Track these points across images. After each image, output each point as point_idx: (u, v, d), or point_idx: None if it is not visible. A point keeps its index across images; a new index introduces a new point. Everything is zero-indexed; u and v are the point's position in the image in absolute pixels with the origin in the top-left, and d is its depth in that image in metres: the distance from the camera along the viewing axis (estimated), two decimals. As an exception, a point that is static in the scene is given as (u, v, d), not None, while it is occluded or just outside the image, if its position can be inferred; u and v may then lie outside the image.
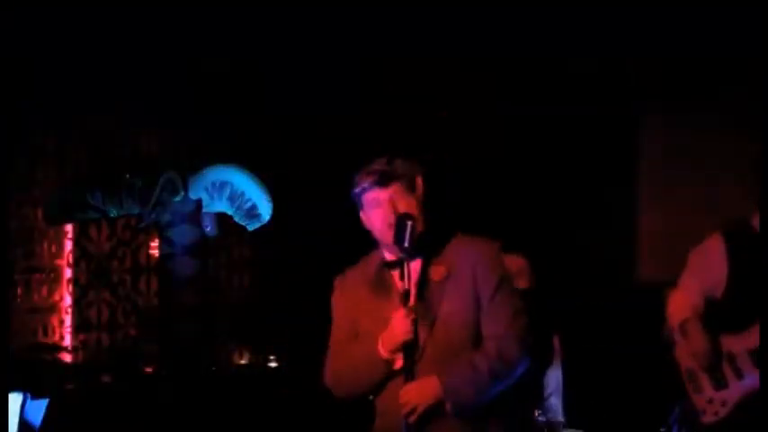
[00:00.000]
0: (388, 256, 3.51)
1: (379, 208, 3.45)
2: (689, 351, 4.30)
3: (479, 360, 3.35)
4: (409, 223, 3.35)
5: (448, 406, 3.33)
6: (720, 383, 4.24)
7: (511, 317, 3.41)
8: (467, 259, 3.45)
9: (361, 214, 3.53)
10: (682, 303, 4.38)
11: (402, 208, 3.41)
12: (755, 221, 4.30)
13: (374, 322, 3.46)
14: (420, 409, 3.31)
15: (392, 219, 3.40)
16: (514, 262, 4.83)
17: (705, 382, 4.28)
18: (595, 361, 5.90)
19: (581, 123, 6.51)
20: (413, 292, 3.37)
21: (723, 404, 4.20)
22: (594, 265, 6.42)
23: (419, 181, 3.49)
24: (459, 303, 3.41)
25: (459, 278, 3.43)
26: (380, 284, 3.50)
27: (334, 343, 3.59)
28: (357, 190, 3.49)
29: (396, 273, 3.41)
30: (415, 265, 3.43)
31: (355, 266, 3.63)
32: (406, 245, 3.34)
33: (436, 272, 3.44)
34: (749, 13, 5.65)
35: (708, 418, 4.24)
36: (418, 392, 3.32)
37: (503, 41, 6.41)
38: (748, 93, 5.73)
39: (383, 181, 3.44)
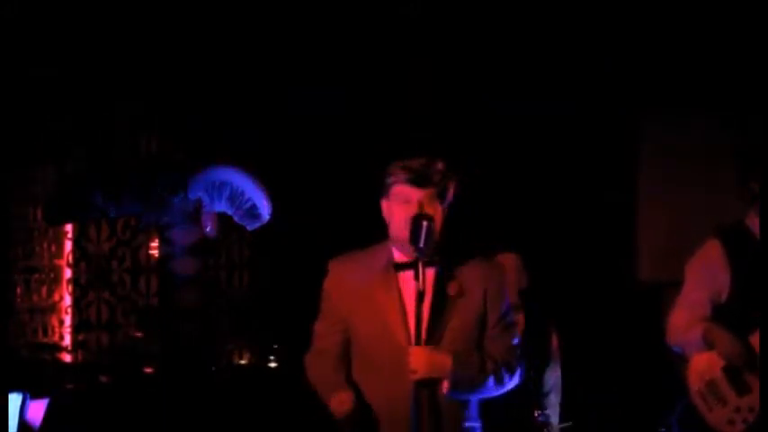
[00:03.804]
0: (399, 257, 3.50)
1: (405, 205, 3.43)
2: (721, 354, 4.19)
3: (488, 362, 3.48)
4: (425, 224, 3.33)
5: (445, 386, 3.39)
6: (743, 389, 4.15)
7: (510, 345, 3.55)
8: (479, 280, 3.50)
9: (384, 203, 3.52)
10: (689, 318, 4.28)
11: (430, 212, 3.39)
12: (749, 221, 4.27)
13: (370, 322, 3.47)
14: (419, 376, 3.34)
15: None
16: (509, 260, 4.85)
17: (728, 391, 4.18)
18: (595, 361, 5.90)
19: (581, 124, 6.51)
20: (429, 292, 3.38)
21: (751, 410, 4.12)
22: (594, 265, 6.42)
23: (451, 191, 3.49)
24: (468, 321, 3.47)
25: (470, 297, 3.47)
26: (385, 285, 3.48)
27: (317, 335, 3.60)
28: (390, 180, 3.47)
29: (403, 274, 3.44)
30: (429, 274, 3.41)
31: (356, 257, 3.60)
32: (421, 245, 3.32)
33: (452, 287, 3.45)
34: (749, 14, 5.66)
35: (738, 428, 4.14)
36: (427, 362, 3.35)
37: (502, 41, 6.42)
38: (748, 93, 5.74)
39: (420, 181, 3.42)
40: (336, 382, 3.47)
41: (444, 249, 3.48)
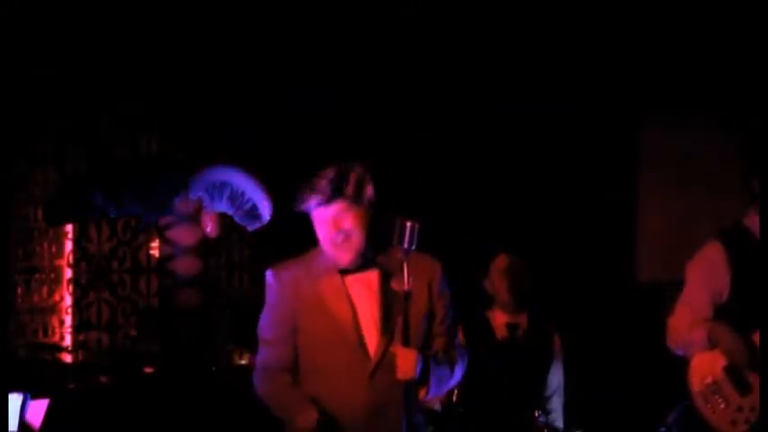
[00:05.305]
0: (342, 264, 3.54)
1: (323, 226, 3.50)
2: (724, 350, 4.18)
3: (453, 363, 3.58)
4: (408, 225, 3.36)
5: (427, 389, 3.44)
6: (745, 389, 4.15)
7: (457, 343, 3.67)
8: (422, 275, 3.52)
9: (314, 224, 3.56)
10: (691, 320, 4.27)
11: (347, 225, 3.45)
12: (748, 221, 4.27)
13: (322, 328, 3.50)
14: (409, 376, 3.35)
15: (336, 237, 3.45)
16: (511, 261, 4.86)
17: (731, 391, 4.17)
18: (595, 361, 5.91)
19: (582, 124, 6.51)
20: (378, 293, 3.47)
21: (752, 409, 4.11)
22: (594, 265, 6.42)
23: (368, 193, 3.51)
24: (417, 316, 3.49)
25: (416, 292, 3.46)
26: (334, 290, 3.52)
27: (268, 350, 3.64)
28: (304, 208, 3.53)
29: (348, 278, 3.50)
30: (374, 275, 3.50)
31: (297, 264, 3.64)
32: (406, 246, 3.35)
33: (397, 283, 3.44)
34: (749, 14, 5.66)
35: (741, 428, 4.13)
36: (415, 363, 3.36)
37: (502, 42, 6.42)
38: (748, 93, 5.74)
39: (326, 199, 3.47)
40: (298, 400, 3.49)
41: (383, 249, 3.51)
